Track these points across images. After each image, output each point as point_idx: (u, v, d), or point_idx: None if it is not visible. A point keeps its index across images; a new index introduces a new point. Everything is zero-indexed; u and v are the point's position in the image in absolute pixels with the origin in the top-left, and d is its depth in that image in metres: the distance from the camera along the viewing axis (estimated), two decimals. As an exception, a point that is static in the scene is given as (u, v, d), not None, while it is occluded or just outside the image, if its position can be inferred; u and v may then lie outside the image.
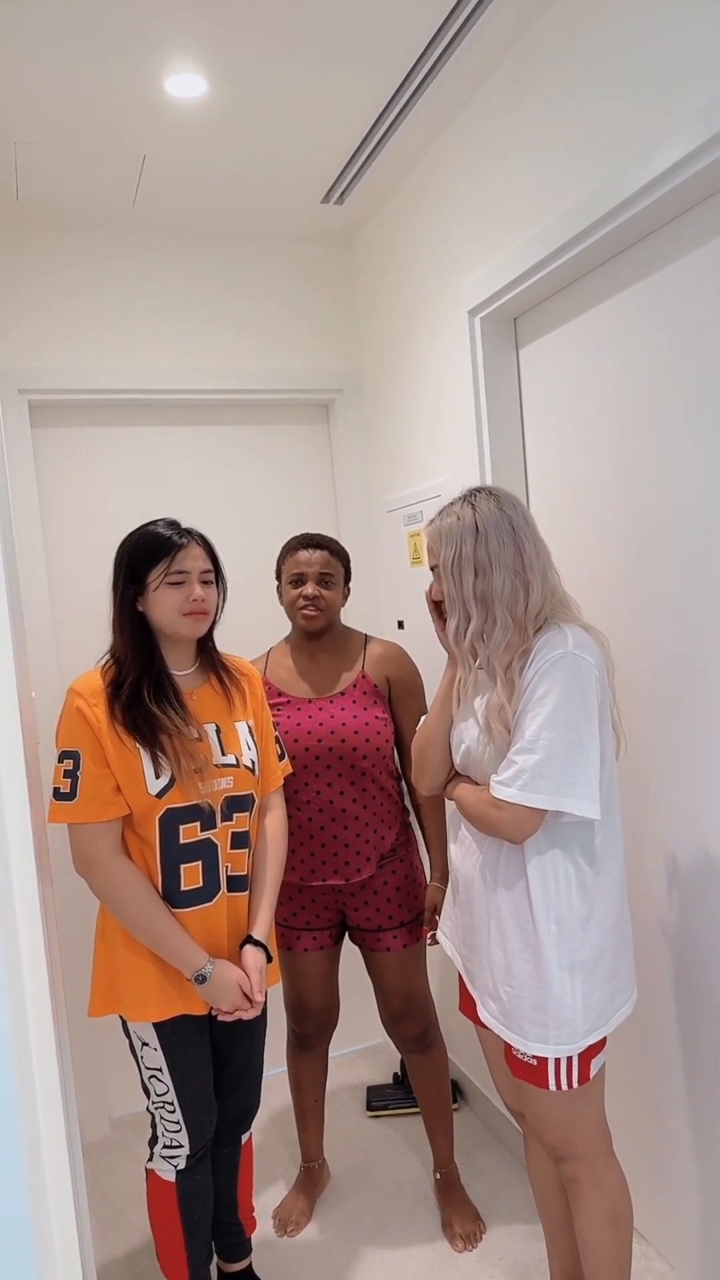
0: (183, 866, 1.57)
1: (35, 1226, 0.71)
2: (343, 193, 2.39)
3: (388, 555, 2.69)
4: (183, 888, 1.57)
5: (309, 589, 1.93)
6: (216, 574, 1.65)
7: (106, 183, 2.24)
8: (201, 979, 1.54)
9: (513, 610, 1.40)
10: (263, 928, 1.67)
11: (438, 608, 1.53)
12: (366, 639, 2.05)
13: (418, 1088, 2.11)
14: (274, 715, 1.93)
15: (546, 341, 1.93)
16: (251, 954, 1.63)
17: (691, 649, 1.59)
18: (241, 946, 1.65)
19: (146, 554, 1.58)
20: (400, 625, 2.63)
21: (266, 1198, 2.22)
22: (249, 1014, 1.60)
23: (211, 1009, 1.60)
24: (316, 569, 1.94)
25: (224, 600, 1.68)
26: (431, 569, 1.51)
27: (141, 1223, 2.15)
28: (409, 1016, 2.04)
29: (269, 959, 1.66)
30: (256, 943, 1.65)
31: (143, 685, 1.56)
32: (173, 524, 1.63)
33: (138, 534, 1.62)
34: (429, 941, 1.95)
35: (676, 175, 1.41)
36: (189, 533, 1.62)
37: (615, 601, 1.76)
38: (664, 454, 1.61)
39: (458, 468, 2.20)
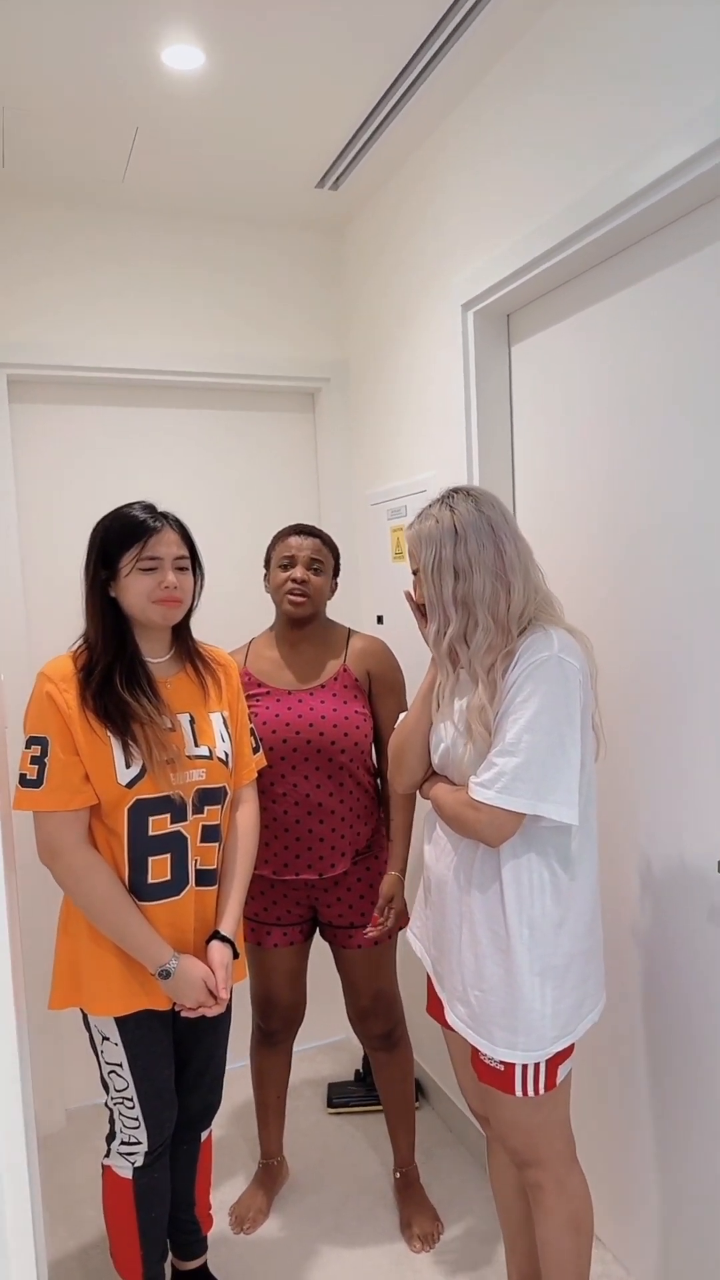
0: (151, 859, 1.54)
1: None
2: (338, 178, 2.35)
3: (369, 549, 2.66)
4: (150, 880, 1.54)
5: (298, 572, 1.90)
6: (193, 560, 1.61)
7: (97, 154, 2.18)
8: (166, 974, 1.51)
9: (494, 612, 1.38)
10: (230, 923, 1.64)
11: (421, 609, 1.51)
12: (350, 633, 2.03)
13: (381, 1086, 2.10)
14: (253, 706, 1.90)
15: (540, 339, 1.92)
16: (218, 950, 1.60)
17: (676, 652, 1.58)
18: (208, 942, 1.62)
19: (119, 538, 1.53)
20: (380, 620, 2.61)
21: (224, 1193, 2.19)
22: (213, 1011, 1.57)
23: (175, 1005, 1.56)
24: (307, 554, 1.92)
25: (201, 587, 1.64)
26: (414, 573, 1.49)
27: (95, 1217, 2.11)
28: (376, 1015, 2.02)
29: (235, 955, 1.63)
30: (223, 938, 1.62)
31: (114, 671, 1.52)
32: (148, 507, 1.58)
33: (111, 517, 1.57)
34: (371, 930, 1.90)
35: (679, 177, 1.39)
36: (164, 516, 1.57)
37: (600, 602, 1.75)
38: (654, 457, 1.60)
39: (444, 463, 2.18)
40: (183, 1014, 1.57)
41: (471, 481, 2.04)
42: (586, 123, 1.60)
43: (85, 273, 2.43)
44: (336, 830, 1.93)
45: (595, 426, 1.75)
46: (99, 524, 1.59)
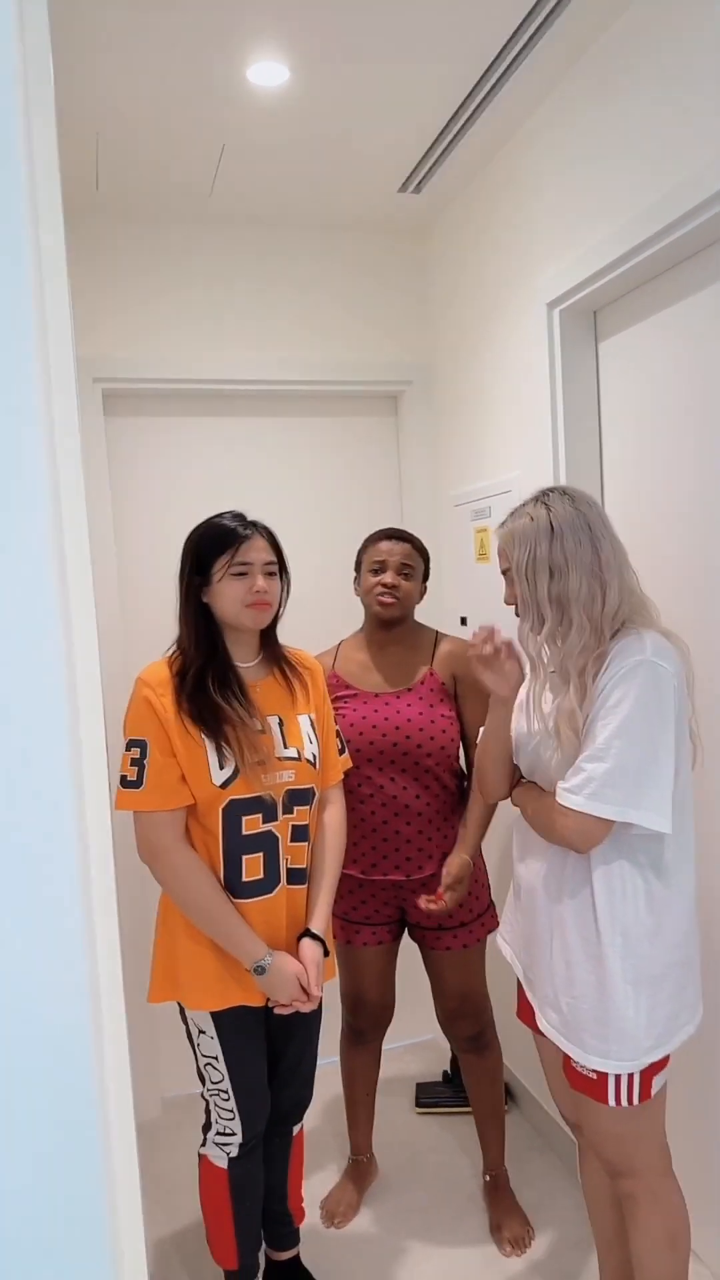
0: (244, 857, 1.58)
1: (108, 1201, 0.71)
2: (420, 182, 2.36)
3: (453, 550, 2.66)
4: (244, 878, 1.58)
5: (388, 577, 1.93)
6: (280, 566, 1.65)
7: (185, 172, 2.25)
8: (260, 970, 1.55)
9: (589, 612, 1.36)
10: (320, 921, 1.67)
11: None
12: (437, 636, 2.03)
13: (471, 1088, 2.10)
14: (340, 708, 1.93)
15: (626, 336, 1.88)
16: (309, 947, 1.63)
17: (773, 656, 1.53)
18: (299, 940, 1.65)
19: (212, 545, 1.59)
20: (464, 621, 2.60)
21: (314, 1187, 2.22)
22: (306, 1007, 1.60)
23: (268, 1001, 1.60)
24: (398, 559, 1.94)
25: (288, 593, 1.68)
26: (504, 573, 1.47)
27: (191, 1205, 2.18)
28: (465, 1016, 2.03)
29: (326, 953, 1.66)
30: (314, 936, 1.65)
31: (207, 675, 1.57)
32: (238, 516, 1.64)
33: (204, 526, 1.64)
34: (429, 903, 1.85)
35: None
36: (254, 525, 1.63)
37: (696, 609, 1.71)
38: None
39: (529, 464, 2.16)
40: (276, 1010, 1.61)
41: (558, 479, 2.02)
42: (667, 123, 1.57)
43: (174, 287, 2.51)
44: (423, 832, 1.94)
45: (684, 425, 1.71)
46: (192, 533, 1.64)
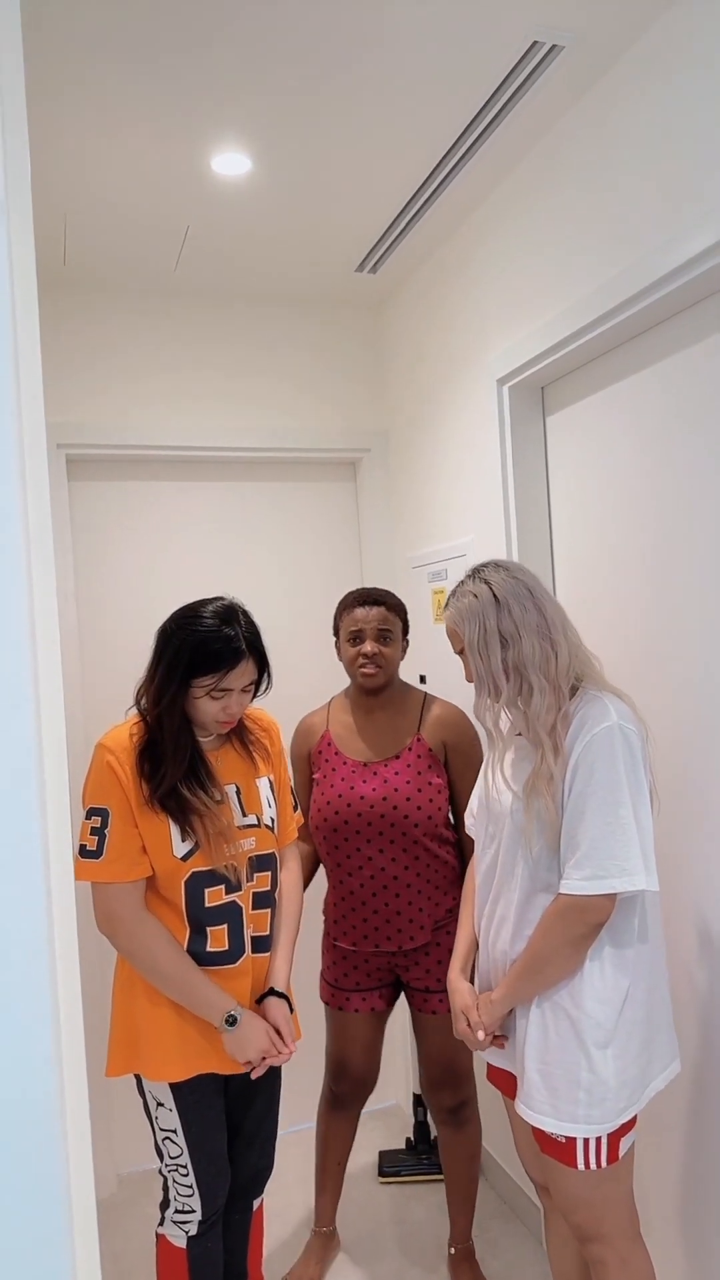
0: (209, 929, 1.57)
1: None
2: (376, 263, 2.48)
3: (412, 610, 2.71)
4: (209, 948, 1.57)
5: (368, 647, 1.91)
6: (261, 674, 1.59)
7: (151, 250, 2.33)
8: (232, 1021, 1.53)
9: (545, 672, 1.41)
10: (282, 980, 1.67)
11: None
12: (425, 698, 2.01)
13: (446, 1162, 2.06)
14: (329, 775, 1.93)
15: (574, 411, 1.99)
16: (275, 1005, 1.63)
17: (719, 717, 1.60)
18: (261, 1000, 1.64)
19: (198, 662, 1.51)
20: (422, 679, 2.65)
21: (275, 1263, 2.16)
22: (280, 1060, 1.58)
23: (241, 1063, 1.57)
24: (374, 625, 1.91)
25: (270, 684, 1.63)
26: (459, 654, 1.51)
27: (147, 1288, 2.10)
28: (447, 1086, 2.00)
29: (291, 1009, 1.65)
30: (279, 994, 1.64)
31: (179, 781, 1.54)
32: (228, 618, 1.54)
33: (193, 634, 1.52)
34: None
35: (704, 262, 1.46)
36: (247, 642, 1.54)
37: (642, 668, 1.77)
38: (692, 527, 1.64)
39: (483, 529, 2.24)
40: (246, 1068, 1.57)
41: (510, 547, 2.10)
42: (613, 211, 1.69)
43: (139, 357, 2.58)
44: (414, 904, 1.92)
45: (631, 494, 1.80)
46: (179, 633, 1.53)
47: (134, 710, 1.61)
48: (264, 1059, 1.57)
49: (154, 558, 2.64)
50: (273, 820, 1.68)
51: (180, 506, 2.69)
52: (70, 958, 0.89)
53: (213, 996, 1.54)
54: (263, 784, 1.69)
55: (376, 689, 1.95)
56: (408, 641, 2.02)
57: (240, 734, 1.70)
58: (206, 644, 1.51)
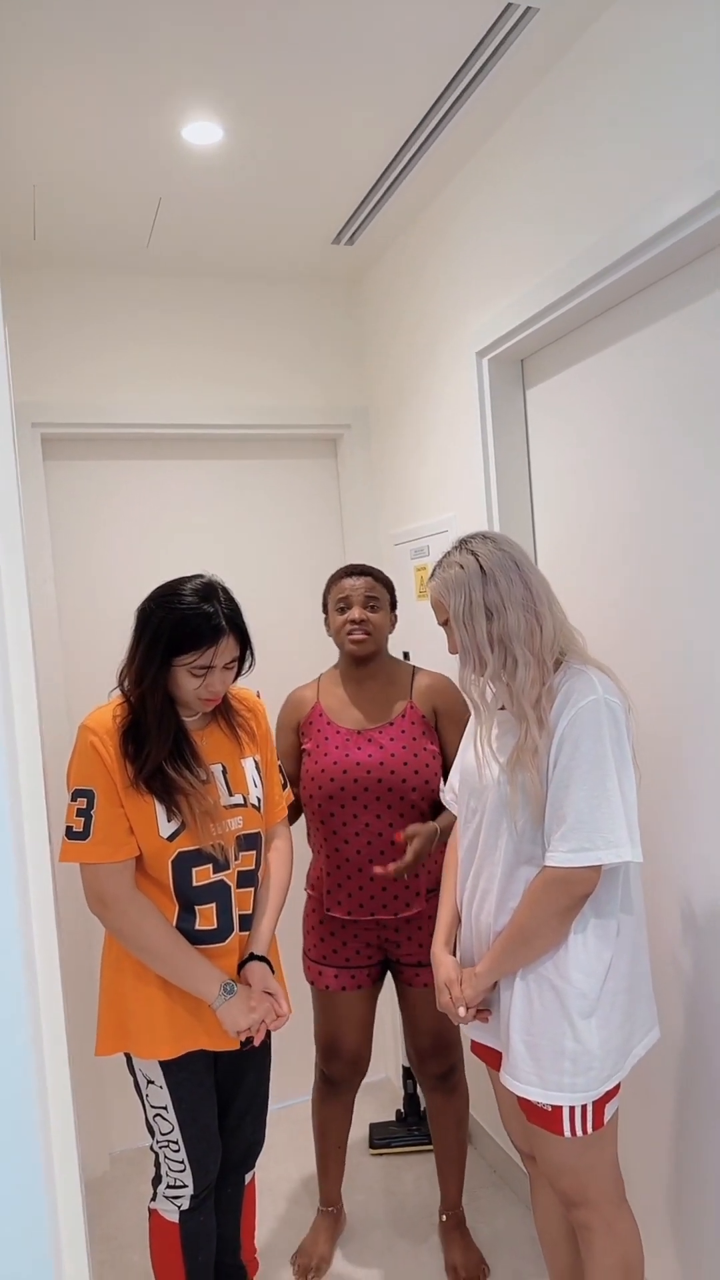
0: (198, 908, 1.58)
1: (54, 1264, 0.71)
2: (353, 234, 2.44)
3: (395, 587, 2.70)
4: (196, 927, 1.58)
5: (355, 613, 1.93)
6: (244, 652, 1.59)
7: (122, 224, 2.29)
8: (230, 990, 1.54)
9: (530, 646, 1.40)
10: (263, 943, 1.67)
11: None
12: (415, 670, 2.04)
13: (435, 1130, 2.09)
14: (321, 744, 1.94)
15: (553, 383, 1.97)
16: (256, 969, 1.63)
17: (701, 691, 1.60)
18: (244, 965, 1.64)
19: (179, 640, 1.50)
20: (406, 656, 2.65)
21: (289, 1236, 2.18)
22: (276, 1024, 1.60)
23: (237, 1034, 1.57)
24: (361, 593, 1.94)
25: (252, 663, 1.63)
26: (443, 625, 1.51)
27: (142, 1263, 2.12)
28: (435, 1056, 2.03)
29: (273, 970, 1.66)
30: (260, 958, 1.65)
31: (164, 760, 1.54)
32: (207, 595, 1.53)
33: (175, 612, 1.51)
34: (381, 870, 1.80)
35: (683, 227, 1.45)
36: (227, 618, 1.53)
37: (624, 642, 1.77)
38: (671, 496, 1.64)
39: (464, 504, 2.23)
40: (242, 1039, 1.57)
41: (491, 522, 2.09)
42: (591, 178, 1.66)
43: (113, 334, 2.54)
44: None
45: (611, 466, 1.79)
46: (158, 612, 1.52)
47: (117, 692, 1.60)
48: (263, 1024, 1.58)
49: (133, 537, 2.61)
50: (259, 800, 1.68)
51: (159, 485, 2.66)
52: (49, 939, 0.88)
53: (205, 971, 1.54)
54: (248, 764, 1.69)
55: (365, 657, 1.96)
56: (396, 616, 2.03)
57: (226, 714, 1.69)
58: (187, 622, 1.50)
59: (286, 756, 2.06)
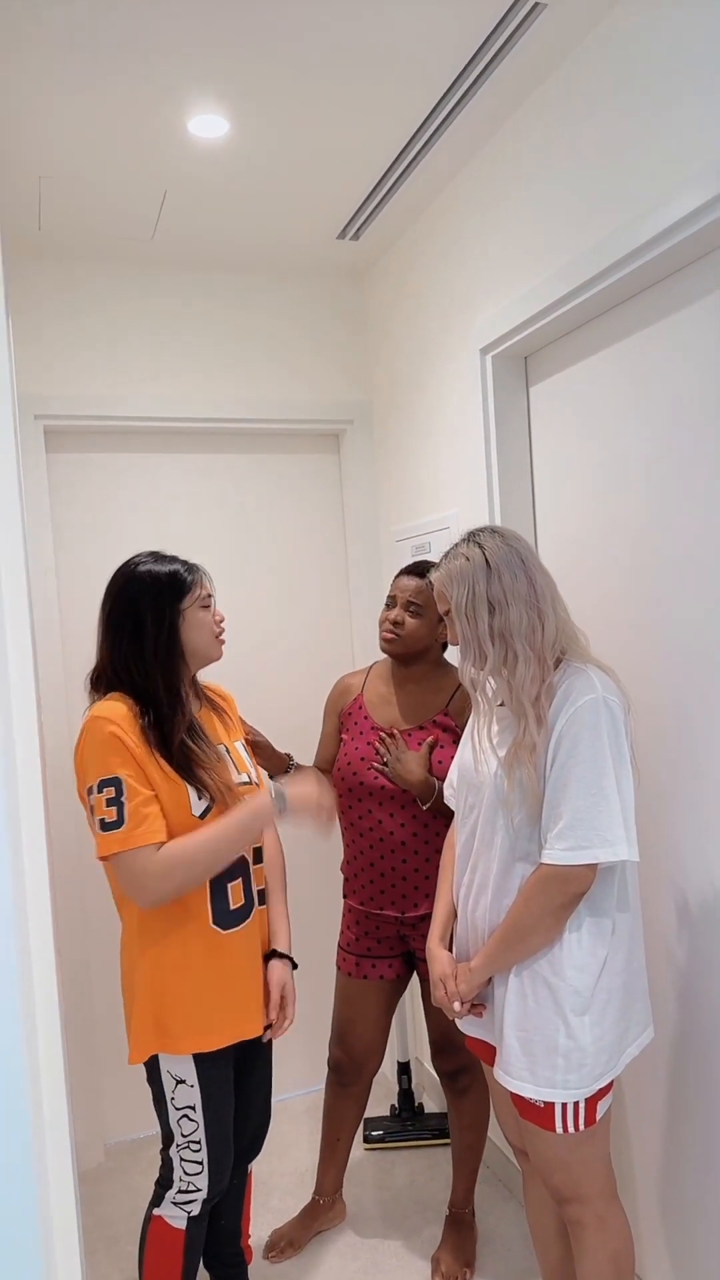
0: (229, 885, 1.59)
1: (45, 1256, 0.71)
2: (358, 229, 2.44)
3: (395, 584, 2.70)
4: (230, 907, 1.58)
5: (394, 614, 1.94)
6: None
7: (127, 215, 2.28)
8: (282, 800, 1.58)
9: (531, 642, 1.41)
10: (283, 939, 1.71)
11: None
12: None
13: (453, 1129, 2.10)
14: (355, 737, 1.98)
15: (557, 380, 1.97)
16: (278, 967, 1.65)
17: (704, 685, 1.60)
18: (267, 960, 1.66)
19: (178, 584, 1.58)
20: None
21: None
22: (282, 1032, 1.65)
23: (317, 811, 1.61)
24: (407, 596, 1.93)
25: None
26: (445, 615, 1.51)
27: (134, 1251, 2.13)
28: (445, 1051, 2.04)
29: (294, 967, 1.69)
30: (282, 955, 1.68)
31: (176, 726, 1.55)
32: (166, 556, 1.64)
33: (152, 571, 1.59)
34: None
35: (690, 225, 1.44)
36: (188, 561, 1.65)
37: (625, 641, 1.77)
38: (674, 496, 1.64)
39: (466, 501, 2.23)
40: (263, 1036, 1.63)
41: (493, 518, 2.09)
42: (597, 175, 1.66)
43: (117, 326, 2.53)
44: (420, 870, 1.94)
45: (614, 464, 1.79)
46: (138, 580, 1.59)
47: (94, 698, 1.60)
48: (279, 1026, 1.64)
49: (135, 530, 2.61)
50: (259, 779, 1.71)
51: (162, 478, 2.66)
52: (44, 931, 0.88)
53: (250, 806, 1.56)
54: (240, 746, 1.73)
55: (401, 658, 1.98)
56: (444, 626, 2.01)
57: (209, 699, 1.74)
58: (168, 570, 1.60)
59: (328, 739, 2.09)
